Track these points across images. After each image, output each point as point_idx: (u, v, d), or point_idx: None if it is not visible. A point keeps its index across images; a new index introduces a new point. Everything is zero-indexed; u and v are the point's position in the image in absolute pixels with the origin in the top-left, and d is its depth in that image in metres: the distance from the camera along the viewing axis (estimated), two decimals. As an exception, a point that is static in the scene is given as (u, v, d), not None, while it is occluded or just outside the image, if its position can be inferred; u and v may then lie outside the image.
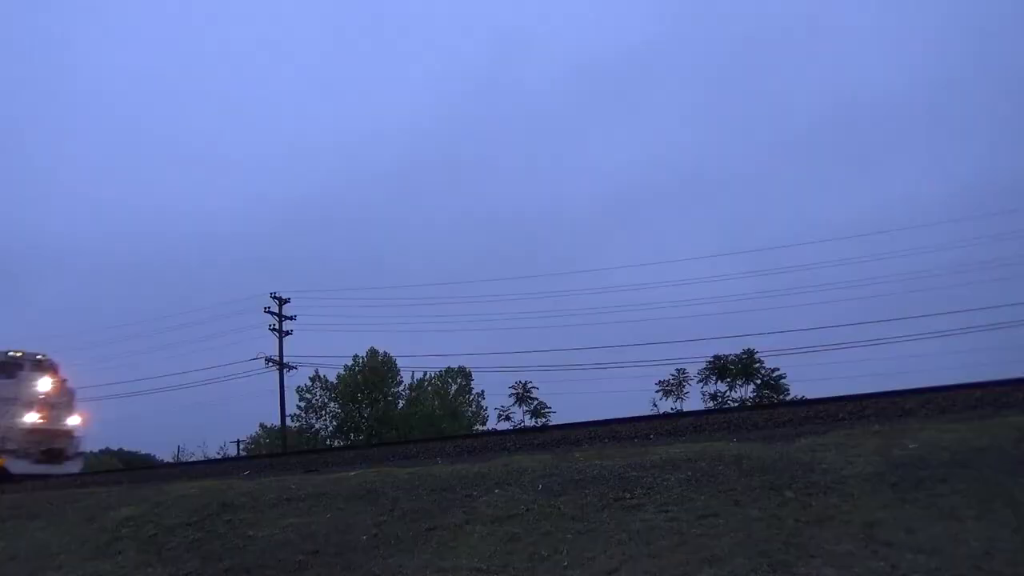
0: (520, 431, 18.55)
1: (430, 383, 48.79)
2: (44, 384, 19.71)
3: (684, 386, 40.64)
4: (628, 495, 6.26)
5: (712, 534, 5.37)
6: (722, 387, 40.32)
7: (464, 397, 49.24)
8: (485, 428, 41.08)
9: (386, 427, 44.37)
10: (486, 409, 47.18)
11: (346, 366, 46.45)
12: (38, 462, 18.65)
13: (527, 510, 6.46)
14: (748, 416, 9.61)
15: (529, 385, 38.21)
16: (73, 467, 19.69)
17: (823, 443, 6.63)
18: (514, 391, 38.38)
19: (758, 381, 39.65)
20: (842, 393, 12.12)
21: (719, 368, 39.78)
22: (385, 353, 47.13)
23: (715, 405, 37.17)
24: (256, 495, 8.59)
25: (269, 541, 7.23)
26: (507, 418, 37.81)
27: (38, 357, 20.50)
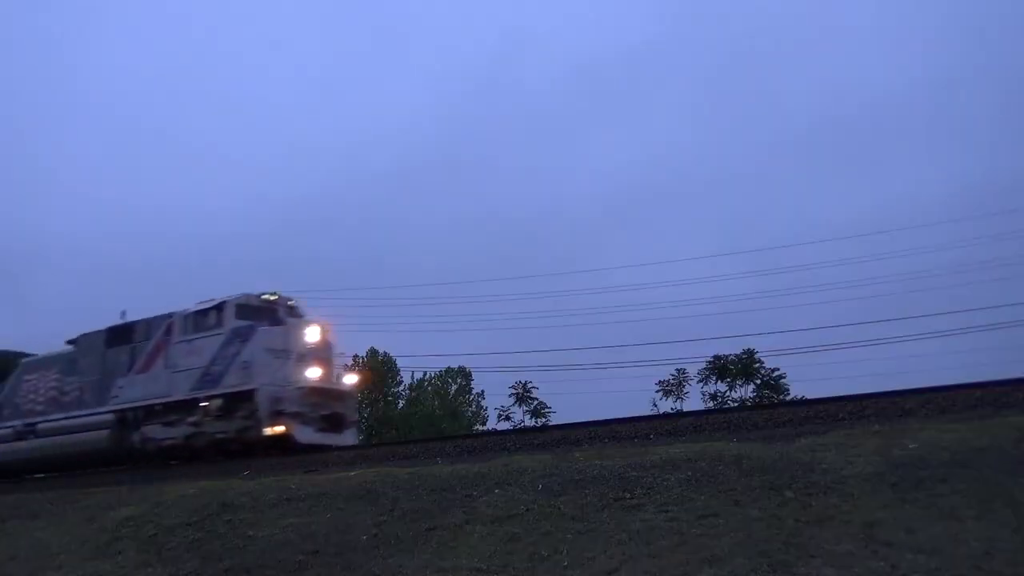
0: (520, 431, 18.55)
1: (430, 383, 48.80)
2: (313, 333, 15.52)
3: (684, 386, 40.70)
4: (628, 495, 6.26)
5: (712, 534, 5.37)
6: (722, 387, 40.39)
7: (464, 397, 49.27)
8: (485, 428, 41.11)
9: (386, 427, 44.38)
10: (486, 409, 47.23)
11: (346, 366, 46.34)
12: (321, 430, 14.69)
13: (527, 510, 6.46)
14: (748, 416, 9.59)
15: (529, 385, 38.37)
16: (351, 437, 15.87)
17: (823, 443, 6.63)
18: (514, 391, 38.49)
19: (758, 381, 39.70)
20: (842, 393, 12.08)
21: (719, 368, 39.83)
22: (385, 353, 47.14)
23: (715, 405, 37.22)
24: (256, 495, 8.59)
25: (269, 541, 7.23)
26: (507, 418, 37.94)
27: (290, 302, 16.47)
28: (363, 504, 7.53)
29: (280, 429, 14.09)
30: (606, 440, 9.37)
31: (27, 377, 18.61)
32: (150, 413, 15.79)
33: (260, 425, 14.12)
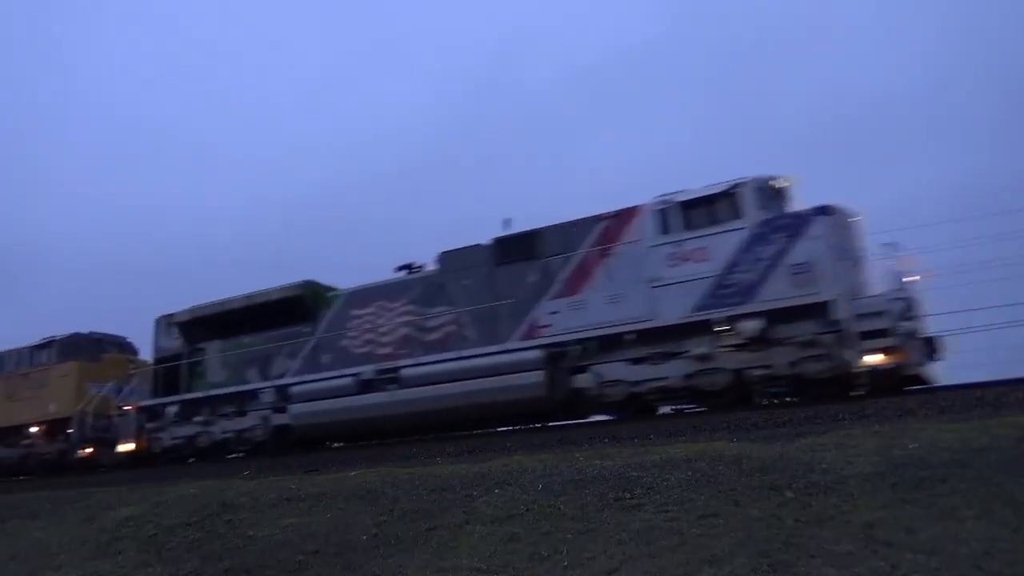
0: (520, 431, 18.50)
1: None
2: (859, 229, 11.72)
3: (684, 386, 40.39)
4: (628, 495, 6.26)
5: (712, 534, 5.37)
6: (722, 387, 40.21)
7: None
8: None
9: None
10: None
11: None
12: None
13: (527, 510, 6.46)
14: (748, 416, 9.60)
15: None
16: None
17: (823, 443, 6.63)
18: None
19: (758, 381, 39.55)
20: (842, 393, 12.08)
21: (719, 368, 39.66)
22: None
23: (715, 405, 37.02)
24: (256, 495, 8.60)
25: (269, 541, 7.23)
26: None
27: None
28: (363, 504, 7.53)
29: (879, 358, 10.28)
30: (606, 440, 9.37)
31: (356, 312, 14.80)
32: (607, 346, 12.09)
33: (844, 353, 10.49)
